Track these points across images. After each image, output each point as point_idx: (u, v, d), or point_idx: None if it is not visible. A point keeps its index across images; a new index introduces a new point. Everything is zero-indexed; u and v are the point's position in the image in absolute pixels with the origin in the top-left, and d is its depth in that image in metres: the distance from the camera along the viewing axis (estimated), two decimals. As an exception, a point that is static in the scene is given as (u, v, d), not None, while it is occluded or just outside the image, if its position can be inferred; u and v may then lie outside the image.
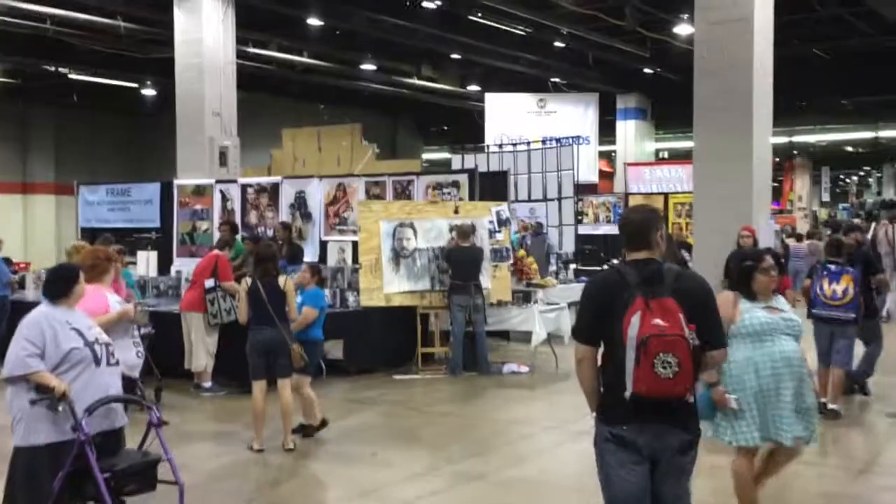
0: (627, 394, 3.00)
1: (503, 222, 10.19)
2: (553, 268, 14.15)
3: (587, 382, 3.25)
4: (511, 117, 21.58)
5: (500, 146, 15.11)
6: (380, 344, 9.71)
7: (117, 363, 4.15)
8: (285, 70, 20.17)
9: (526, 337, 10.36)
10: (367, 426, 7.63)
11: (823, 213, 37.50)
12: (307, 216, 12.57)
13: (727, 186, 9.66)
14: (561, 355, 10.11)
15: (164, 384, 8.22)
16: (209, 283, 8.46)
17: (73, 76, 21.33)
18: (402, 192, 11.69)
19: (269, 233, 12.87)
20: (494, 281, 10.03)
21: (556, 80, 22.91)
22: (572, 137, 14.13)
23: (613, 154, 26.73)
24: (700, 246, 9.97)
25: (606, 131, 24.40)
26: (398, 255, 9.83)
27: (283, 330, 6.55)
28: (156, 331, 8.20)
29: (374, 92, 22.95)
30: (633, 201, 20.00)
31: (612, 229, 19.98)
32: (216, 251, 8.86)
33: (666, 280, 3.10)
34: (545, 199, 14.42)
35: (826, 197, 39.67)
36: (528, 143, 14.72)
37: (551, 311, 10.05)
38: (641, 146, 25.63)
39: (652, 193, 20.23)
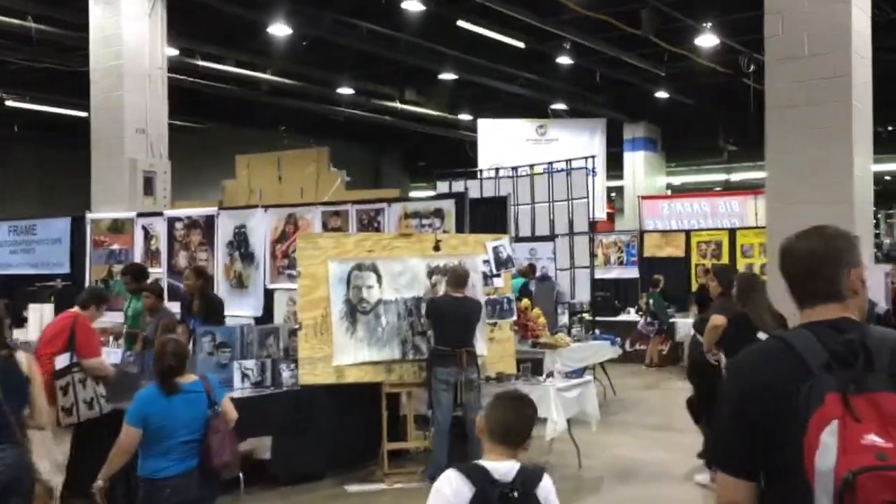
0: None
1: (503, 263, 7.35)
2: (564, 320, 11.33)
3: None
4: (507, 146, 18.95)
5: (497, 171, 12.36)
6: (327, 439, 6.76)
7: None
8: (248, 90, 17.51)
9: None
10: None
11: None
12: (248, 257, 9.77)
13: (815, 214, 6.82)
14: (587, 450, 7.22)
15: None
16: (61, 360, 5.57)
17: (10, 103, 18.90)
18: (370, 226, 8.89)
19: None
20: (492, 345, 7.17)
21: (558, 106, 20.38)
22: (585, 158, 11.38)
23: (613, 194, 24.15)
24: (775, 296, 7.12)
25: (611, 165, 21.83)
26: (354, 309, 6.96)
27: (26, 449, 3.78)
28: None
29: (353, 118, 20.32)
30: (649, 239, 17.38)
31: (626, 272, 17.34)
32: (76, 309, 5.94)
33: (878, 356, 1.69)
34: (552, 236, 11.61)
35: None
36: (531, 167, 11.96)
37: (572, 389, 7.15)
38: (652, 180, 23.12)
39: (671, 231, 17.49)
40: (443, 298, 6.78)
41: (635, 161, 22.77)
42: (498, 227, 8.31)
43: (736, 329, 5.82)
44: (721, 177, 25.28)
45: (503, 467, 2.48)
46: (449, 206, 8.43)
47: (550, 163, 11.88)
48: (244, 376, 6.71)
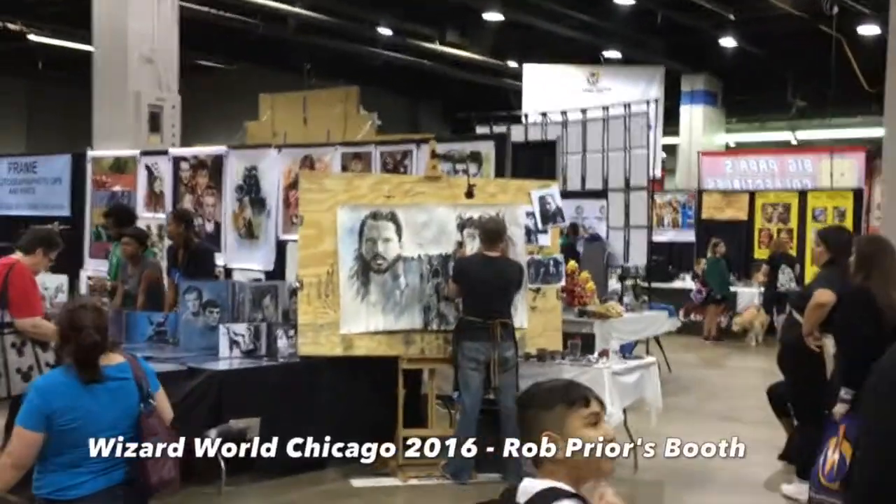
0: None
1: (550, 216, 6.07)
2: (615, 286, 10.07)
3: None
4: (555, 94, 17.48)
5: (544, 115, 10.99)
6: (330, 423, 5.61)
7: None
8: (276, 26, 16.28)
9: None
10: None
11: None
12: (259, 203, 8.66)
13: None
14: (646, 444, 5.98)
15: None
16: (-11, 317, 4.49)
17: (32, 37, 18.00)
18: (395, 171, 7.67)
19: (208, 226, 9.07)
20: (534, 316, 5.94)
21: (611, 53, 18.81)
22: (647, 102, 9.99)
23: (664, 154, 22.45)
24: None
25: (664, 120, 20.21)
26: (368, 267, 5.77)
27: None
28: None
29: (389, 63, 18.94)
30: (708, 199, 15.90)
31: (681, 235, 15.95)
32: (18, 255, 4.82)
33: None
34: (605, 190, 10.27)
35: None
36: (583, 112, 10.56)
37: (630, 372, 5.89)
38: (710, 138, 21.51)
39: (734, 191, 16.00)
40: (473, 258, 5.56)
41: (693, 116, 21.19)
42: (545, 176, 7.04)
43: (850, 307, 4.54)
44: (785, 135, 23.46)
45: (529, 486, 1.96)
46: (488, 148, 7.14)
47: (606, 107, 10.46)
48: (233, 343, 5.59)
